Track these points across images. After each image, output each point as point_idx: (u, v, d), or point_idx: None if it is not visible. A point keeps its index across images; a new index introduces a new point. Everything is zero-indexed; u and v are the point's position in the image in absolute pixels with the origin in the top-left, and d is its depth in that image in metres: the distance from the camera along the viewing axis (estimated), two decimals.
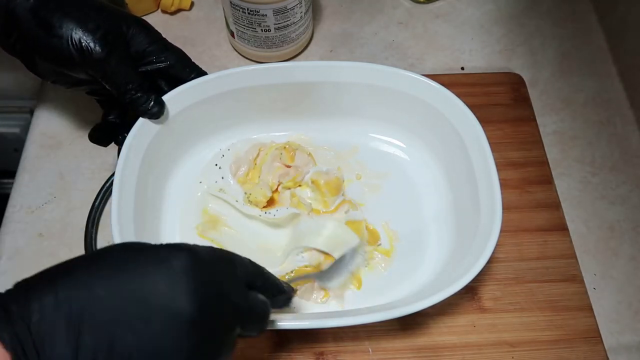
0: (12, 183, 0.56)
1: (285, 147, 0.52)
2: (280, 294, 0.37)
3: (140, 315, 0.27)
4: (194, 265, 0.29)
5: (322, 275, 0.47)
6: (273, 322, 0.38)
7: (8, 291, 0.27)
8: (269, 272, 0.36)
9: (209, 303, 0.29)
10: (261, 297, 0.34)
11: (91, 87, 0.48)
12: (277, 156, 0.52)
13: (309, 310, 0.47)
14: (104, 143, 0.50)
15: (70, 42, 0.42)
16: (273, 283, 0.36)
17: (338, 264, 0.47)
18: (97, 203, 0.52)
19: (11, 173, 0.58)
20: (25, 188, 0.55)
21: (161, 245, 0.30)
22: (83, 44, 0.43)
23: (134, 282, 0.27)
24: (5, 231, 0.53)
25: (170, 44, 0.48)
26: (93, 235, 0.51)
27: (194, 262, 0.29)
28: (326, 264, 0.47)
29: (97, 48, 0.43)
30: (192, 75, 0.48)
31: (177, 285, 0.28)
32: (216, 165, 0.53)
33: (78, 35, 0.43)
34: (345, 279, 0.47)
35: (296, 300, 0.46)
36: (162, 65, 0.47)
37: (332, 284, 0.47)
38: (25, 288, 0.27)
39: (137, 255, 0.29)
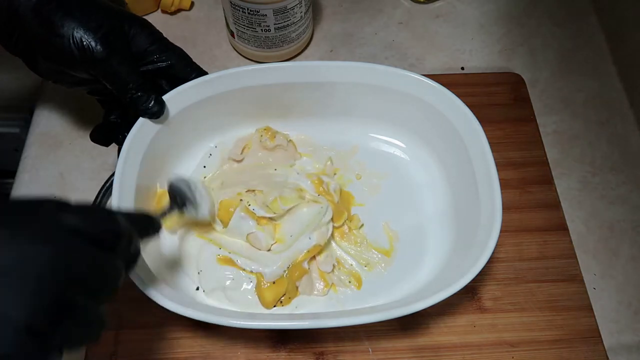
0: (12, 183, 0.56)
1: (265, 129, 0.52)
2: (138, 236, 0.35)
3: None
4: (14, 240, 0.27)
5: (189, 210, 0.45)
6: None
7: None
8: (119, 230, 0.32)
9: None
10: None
11: (92, 86, 0.48)
12: (258, 140, 0.52)
13: (312, 304, 0.47)
14: (105, 143, 0.50)
15: (71, 42, 0.42)
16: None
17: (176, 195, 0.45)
18: (97, 203, 0.52)
19: (11, 173, 0.58)
20: (25, 188, 0.55)
21: None
22: (84, 43, 0.43)
23: None
24: None
25: (171, 43, 0.48)
26: None
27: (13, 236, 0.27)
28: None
29: (99, 47, 0.43)
30: (193, 75, 0.48)
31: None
32: (204, 167, 0.53)
33: (79, 34, 0.43)
34: (204, 206, 0.46)
35: (299, 297, 0.47)
36: (163, 64, 0.47)
37: (198, 211, 0.46)
38: None
39: None
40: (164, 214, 0.43)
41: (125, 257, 0.33)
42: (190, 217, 0.46)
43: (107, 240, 0.31)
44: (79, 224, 0.30)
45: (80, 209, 0.31)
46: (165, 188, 0.47)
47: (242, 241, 0.48)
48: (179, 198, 0.45)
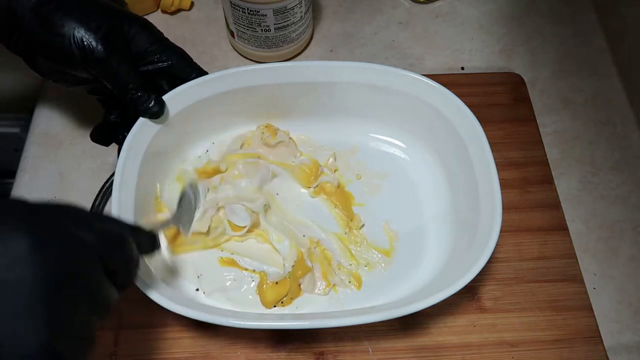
0: (12, 183, 0.56)
1: (266, 126, 0.52)
2: (145, 250, 0.37)
3: None
4: (34, 252, 0.26)
5: (176, 220, 0.45)
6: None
7: None
8: (128, 231, 0.34)
9: (55, 290, 0.27)
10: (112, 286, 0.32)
11: (92, 86, 0.48)
12: (260, 137, 0.52)
13: (312, 303, 0.47)
14: (105, 143, 0.50)
15: (72, 42, 0.42)
16: (128, 254, 0.34)
17: (183, 204, 0.46)
18: (97, 203, 0.52)
19: (11, 173, 0.58)
20: (25, 188, 0.55)
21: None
22: (85, 43, 0.43)
23: None
24: None
25: (172, 43, 0.48)
26: None
27: (35, 247, 0.26)
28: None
29: (99, 47, 0.43)
30: (193, 75, 0.48)
31: (18, 278, 0.26)
32: (199, 157, 0.52)
33: (80, 34, 0.43)
34: (193, 217, 0.47)
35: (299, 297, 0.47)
36: (163, 64, 0.47)
37: (186, 225, 0.46)
38: None
39: None
40: (164, 225, 0.43)
41: (122, 283, 0.33)
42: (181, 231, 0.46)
43: (113, 265, 0.32)
44: (94, 241, 0.30)
45: (101, 231, 0.31)
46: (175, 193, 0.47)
47: (246, 241, 0.49)
48: (181, 209, 0.45)
